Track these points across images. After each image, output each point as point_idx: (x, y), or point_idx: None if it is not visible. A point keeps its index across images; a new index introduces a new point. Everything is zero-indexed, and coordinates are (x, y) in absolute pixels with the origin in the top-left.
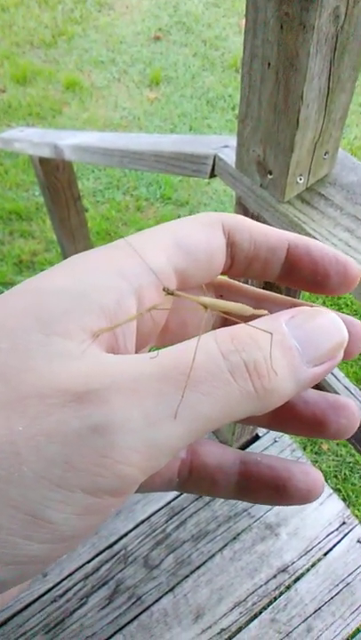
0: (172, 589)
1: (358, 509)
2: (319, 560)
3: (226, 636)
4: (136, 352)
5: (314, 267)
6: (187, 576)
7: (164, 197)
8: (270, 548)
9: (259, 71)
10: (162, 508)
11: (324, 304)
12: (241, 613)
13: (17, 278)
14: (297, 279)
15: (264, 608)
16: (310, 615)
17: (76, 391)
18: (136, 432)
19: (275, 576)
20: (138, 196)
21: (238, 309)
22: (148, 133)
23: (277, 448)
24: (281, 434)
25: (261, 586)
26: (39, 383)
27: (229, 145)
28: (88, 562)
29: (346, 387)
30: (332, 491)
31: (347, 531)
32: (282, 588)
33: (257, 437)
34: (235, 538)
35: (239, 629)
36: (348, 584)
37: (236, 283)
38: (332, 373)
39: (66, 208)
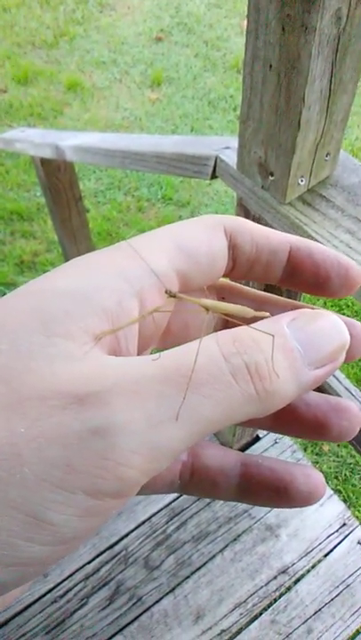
0: (172, 590)
1: (359, 511)
2: (319, 561)
3: (226, 637)
4: (138, 354)
5: (315, 269)
6: (187, 577)
7: (165, 198)
8: (271, 550)
9: (260, 73)
10: (162, 508)
11: (325, 305)
12: (241, 614)
13: (18, 279)
14: (299, 282)
15: (264, 609)
16: (310, 617)
17: (77, 393)
18: (137, 434)
19: (275, 577)
20: (139, 196)
21: (240, 311)
22: (150, 134)
23: (278, 449)
24: (282, 435)
25: (262, 587)
26: (40, 385)
27: (231, 146)
28: (89, 562)
29: (347, 388)
30: (332, 492)
31: (347, 532)
32: (282, 590)
33: (258, 439)
34: (235, 539)
35: (239, 630)
36: (348, 585)
37: (238, 285)
38: (333, 375)
39: (67, 208)
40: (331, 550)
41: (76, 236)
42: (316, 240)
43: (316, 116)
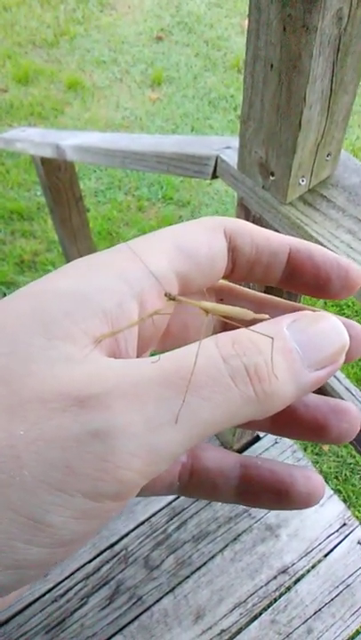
0: (172, 590)
1: (359, 510)
2: (319, 561)
3: (226, 637)
4: (137, 356)
5: (315, 271)
6: (187, 577)
7: (165, 198)
8: (271, 549)
9: (261, 72)
10: (163, 508)
11: (325, 305)
12: (241, 614)
13: (18, 278)
14: (299, 283)
15: (264, 609)
16: (310, 617)
17: (77, 396)
18: (137, 437)
19: (275, 577)
20: (139, 196)
21: (239, 314)
22: (150, 134)
23: (278, 449)
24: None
25: (262, 587)
26: (40, 387)
27: (231, 146)
28: (89, 562)
29: (347, 388)
30: (332, 492)
31: (347, 532)
32: (282, 590)
33: (258, 438)
34: (235, 539)
35: (239, 630)
36: (348, 585)
37: (238, 287)
38: (334, 375)
39: (67, 208)
40: (331, 550)
41: (76, 235)
42: (316, 240)
43: (317, 116)
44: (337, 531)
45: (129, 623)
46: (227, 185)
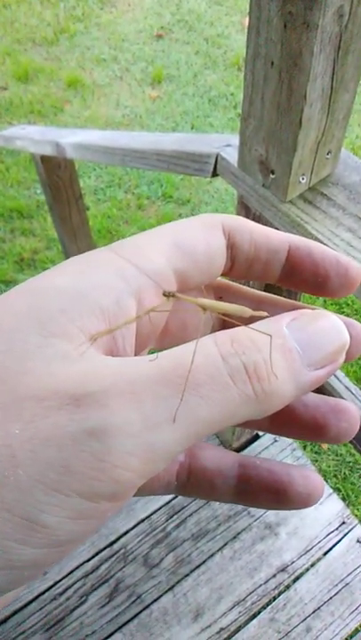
0: (171, 588)
1: (358, 509)
2: (319, 560)
3: (225, 636)
4: (135, 354)
5: (315, 268)
6: (186, 575)
7: (165, 196)
8: (270, 548)
9: (262, 70)
10: (162, 506)
11: (325, 303)
12: (240, 613)
13: (18, 276)
14: (298, 281)
15: (263, 607)
16: (309, 615)
17: (73, 394)
18: (134, 436)
19: (274, 575)
20: (139, 194)
21: (237, 311)
22: (150, 132)
23: (277, 448)
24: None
25: (261, 585)
26: (36, 385)
27: (232, 144)
28: (88, 560)
29: (347, 387)
30: (331, 490)
31: (346, 530)
32: (281, 588)
33: (257, 437)
34: (235, 537)
35: (238, 629)
36: (347, 584)
37: (237, 285)
38: (334, 374)
39: (67, 206)
40: (330, 549)
41: (75, 233)
42: (317, 239)
43: (317, 114)
44: (336, 529)
45: (128, 621)
46: (227, 183)
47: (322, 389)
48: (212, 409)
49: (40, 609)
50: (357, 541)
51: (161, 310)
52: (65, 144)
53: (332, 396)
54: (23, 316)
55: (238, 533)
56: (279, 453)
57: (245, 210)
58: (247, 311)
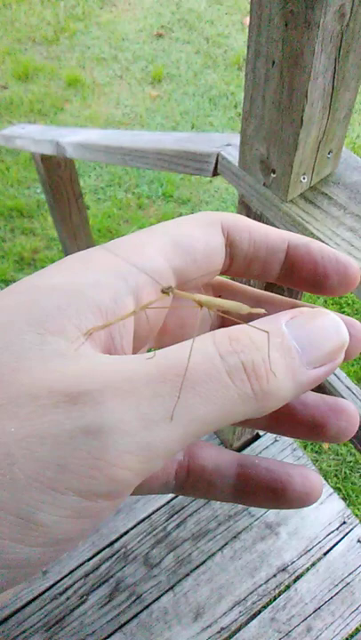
0: (172, 588)
1: (359, 509)
2: (319, 559)
3: (225, 635)
4: (133, 353)
5: (314, 267)
6: (187, 575)
7: (165, 195)
8: (270, 548)
9: (263, 69)
10: (162, 506)
11: (325, 303)
12: (241, 612)
13: (18, 276)
14: (297, 279)
15: (264, 607)
16: (310, 615)
17: (69, 392)
18: (130, 434)
19: (275, 575)
20: (139, 193)
21: (235, 308)
22: (150, 131)
23: (278, 447)
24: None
25: (261, 585)
26: (31, 383)
27: (232, 143)
28: (88, 560)
29: (348, 387)
30: (332, 490)
31: (347, 530)
32: (282, 588)
33: (258, 437)
34: (235, 537)
35: (239, 628)
36: (347, 584)
37: (236, 283)
38: (334, 373)
39: (67, 205)
40: (330, 548)
41: (76, 233)
42: (318, 238)
43: (318, 113)
44: (337, 529)
45: (128, 621)
46: (227, 182)
47: (322, 389)
48: (209, 407)
49: (40, 608)
50: (358, 541)
51: (157, 307)
52: (65, 143)
53: (333, 395)
54: (19, 314)
55: (239, 533)
56: (280, 453)
57: (246, 209)
58: (245, 308)
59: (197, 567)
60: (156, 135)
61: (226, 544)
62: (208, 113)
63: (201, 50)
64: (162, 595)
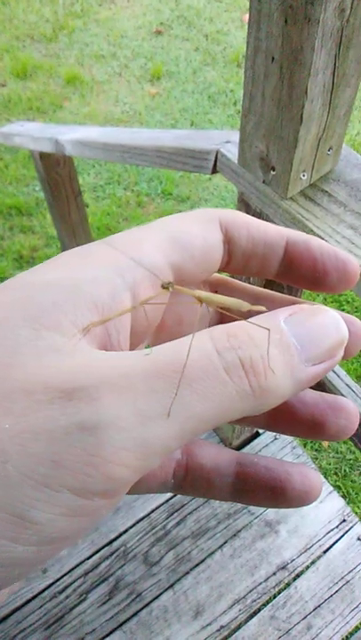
0: (171, 586)
1: (358, 507)
2: (319, 558)
3: (225, 633)
4: (131, 350)
5: (313, 263)
6: (186, 573)
7: (164, 193)
8: (270, 546)
9: (262, 65)
10: (162, 504)
11: (325, 301)
12: (240, 610)
13: (17, 274)
14: (296, 276)
15: (264, 605)
16: (310, 613)
17: (64, 388)
18: (127, 430)
19: (274, 573)
20: (139, 191)
21: (234, 304)
22: (150, 128)
23: (278, 445)
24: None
25: (261, 583)
26: (26, 379)
27: (232, 140)
28: (88, 558)
29: (347, 384)
30: (332, 488)
31: (347, 528)
32: (281, 586)
33: (257, 435)
34: (235, 535)
35: (239, 626)
36: (347, 582)
37: (234, 280)
38: (334, 371)
39: (66, 203)
40: (330, 546)
41: (75, 230)
42: (318, 235)
43: (318, 110)
44: (336, 527)
45: (128, 619)
46: (226, 180)
47: (322, 387)
48: (207, 404)
49: (40, 607)
50: (358, 539)
51: (155, 303)
52: (64, 141)
53: (333, 393)
54: (14, 310)
55: (238, 531)
56: (279, 451)
57: (246, 207)
58: (245, 305)
59: (197, 565)
60: (156, 132)
61: (226, 542)
62: (207, 110)
63: (200, 47)
64: (161, 593)
